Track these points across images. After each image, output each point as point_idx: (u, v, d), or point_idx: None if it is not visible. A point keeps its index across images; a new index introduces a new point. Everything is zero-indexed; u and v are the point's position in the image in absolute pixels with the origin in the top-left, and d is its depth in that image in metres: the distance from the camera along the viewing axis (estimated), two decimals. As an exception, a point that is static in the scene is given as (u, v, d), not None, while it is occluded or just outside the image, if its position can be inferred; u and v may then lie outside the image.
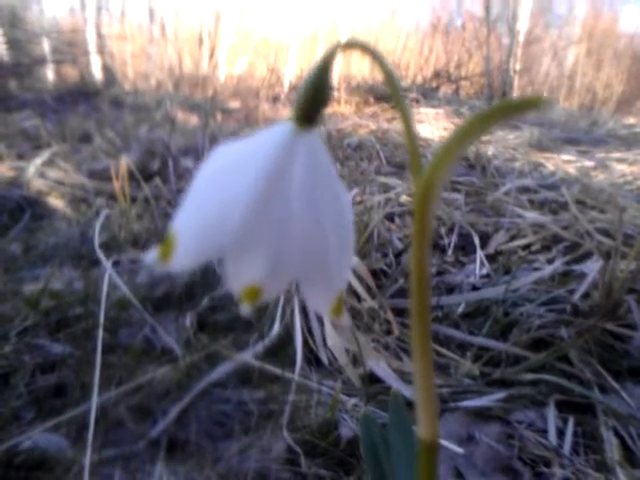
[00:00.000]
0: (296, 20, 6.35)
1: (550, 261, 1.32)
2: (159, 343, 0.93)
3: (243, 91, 4.70)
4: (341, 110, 3.97)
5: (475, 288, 1.16)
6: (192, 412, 0.76)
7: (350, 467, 0.68)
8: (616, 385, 0.84)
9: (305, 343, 0.91)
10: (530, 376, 0.84)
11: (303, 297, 0.22)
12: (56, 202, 1.78)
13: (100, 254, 1.12)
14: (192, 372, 0.83)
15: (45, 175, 1.98)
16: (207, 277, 1.15)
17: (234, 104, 4.15)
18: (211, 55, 5.33)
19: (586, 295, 1.09)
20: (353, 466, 0.68)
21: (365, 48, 0.20)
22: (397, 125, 3.42)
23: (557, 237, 1.49)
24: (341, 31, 6.49)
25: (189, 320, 0.98)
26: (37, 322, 0.97)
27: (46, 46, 4.40)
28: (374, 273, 1.14)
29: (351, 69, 5.31)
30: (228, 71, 5.53)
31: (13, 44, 4.28)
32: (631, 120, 5.14)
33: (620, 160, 3.02)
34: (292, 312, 0.96)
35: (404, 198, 1.83)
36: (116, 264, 1.20)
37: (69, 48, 4.46)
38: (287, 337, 0.93)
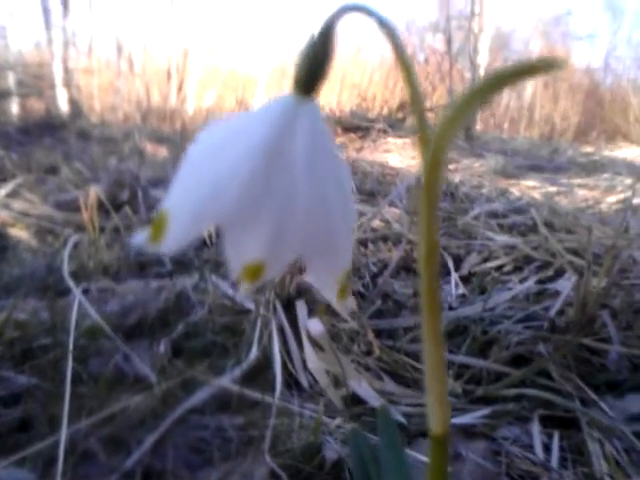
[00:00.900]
0: (264, 54, 6.46)
1: (523, 280, 1.34)
2: (132, 371, 0.89)
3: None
4: (310, 141, 4.00)
5: (452, 308, 1.16)
6: (168, 441, 0.73)
7: (336, 491, 0.65)
8: (596, 398, 0.84)
9: (284, 367, 0.89)
10: (512, 392, 0.83)
11: (309, 277, 0.21)
12: (21, 233, 1.73)
13: (69, 281, 1.08)
14: (168, 399, 0.80)
15: (9, 206, 1.93)
16: (181, 303, 1.12)
17: (203, 136, 4.15)
18: (179, 88, 5.35)
19: (561, 312, 1.10)
20: (339, 490, 0.65)
21: (369, 12, 0.19)
22: (366, 154, 3.47)
23: (528, 258, 1.51)
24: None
25: (163, 347, 0.94)
26: (0, 353, 0.92)
27: (11, 80, 4.34)
28: (352, 295, 1.13)
29: (319, 100, 5.39)
30: (197, 104, 5.54)
31: (-24, 78, 4.22)
32: (588, 149, 5.34)
33: (581, 186, 3.12)
34: (270, 335, 0.94)
35: (376, 223, 1.84)
36: (85, 293, 1.16)
37: (35, 81, 4.41)
38: (265, 361, 0.90)
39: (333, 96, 5.40)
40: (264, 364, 0.89)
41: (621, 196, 2.70)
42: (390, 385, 0.87)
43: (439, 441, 0.22)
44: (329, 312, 0.99)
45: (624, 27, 10.00)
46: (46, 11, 4.76)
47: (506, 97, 8.49)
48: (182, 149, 3.22)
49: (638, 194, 2.10)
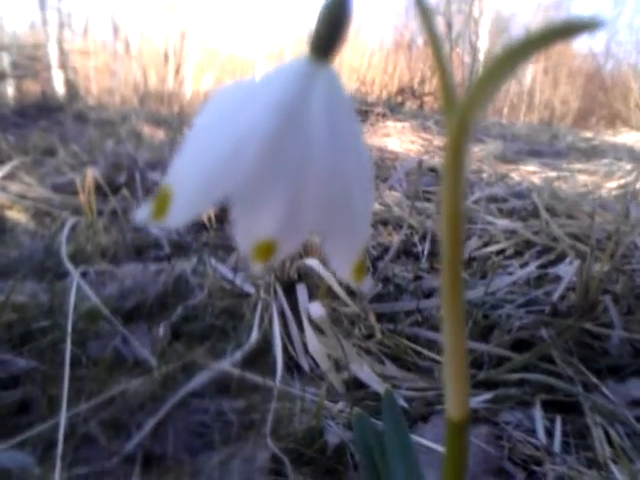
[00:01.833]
0: (262, 37, 6.38)
1: (524, 265, 1.33)
2: (131, 355, 0.88)
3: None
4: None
5: (453, 292, 1.16)
6: (169, 424, 0.72)
7: (338, 475, 0.65)
8: (599, 383, 0.84)
9: (285, 350, 0.89)
10: (515, 376, 0.83)
11: (325, 254, 0.20)
12: (18, 216, 1.71)
13: (68, 264, 1.07)
14: (168, 383, 0.79)
15: (6, 189, 1.91)
16: (180, 287, 1.11)
17: (201, 119, 4.11)
18: (177, 72, 5.30)
19: (563, 297, 1.09)
20: (341, 473, 0.65)
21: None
22: (365, 139, 3.44)
23: (529, 242, 1.50)
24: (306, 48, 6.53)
25: (163, 330, 0.94)
26: (-1, 336, 0.91)
27: (6, 61, 4.28)
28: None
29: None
30: (194, 87, 5.49)
31: (-29, 59, 4.16)
32: (588, 134, 5.31)
33: (581, 171, 3.10)
34: (270, 319, 0.93)
35: (376, 207, 1.83)
36: (83, 276, 1.15)
37: (30, 63, 4.35)
38: (266, 344, 0.90)
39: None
40: (265, 347, 0.89)
41: (621, 181, 2.69)
42: (391, 369, 0.87)
43: (458, 427, 0.21)
44: (330, 295, 0.98)
45: (625, 12, 9.92)
46: (41, -9, 4.69)
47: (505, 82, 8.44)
48: (180, 132, 3.19)
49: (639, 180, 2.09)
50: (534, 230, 1.57)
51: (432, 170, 2.53)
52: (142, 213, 0.18)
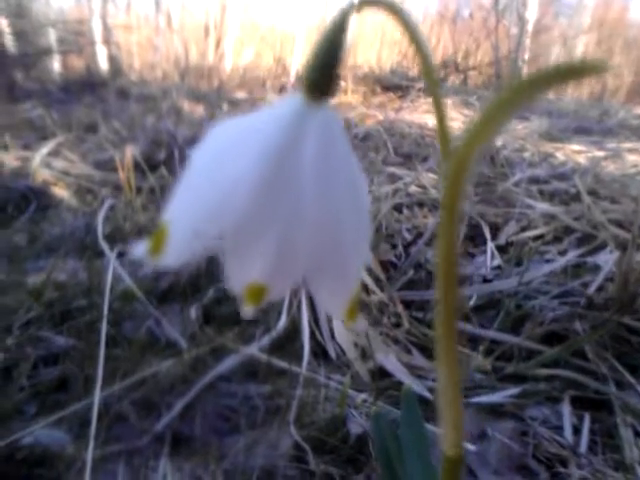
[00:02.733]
0: (302, 10, 6.29)
1: (562, 253, 1.29)
2: (163, 336, 0.91)
3: (250, 81, 4.66)
4: (348, 100, 3.92)
5: (486, 280, 1.14)
6: (197, 406, 0.75)
7: (360, 464, 0.66)
8: (633, 381, 0.82)
9: (312, 336, 0.89)
10: (544, 371, 0.82)
11: (314, 298, 0.20)
12: (62, 192, 1.77)
13: (104, 245, 1.10)
14: (197, 365, 0.82)
15: (51, 165, 1.97)
16: (212, 268, 1.13)
17: (241, 94, 4.11)
18: (217, 46, 5.29)
19: (600, 288, 1.06)
20: (363, 463, 0.66)
21: (385, 5, 0.17)
22: (405, 115, 3.38)
23: (569, 228, 1.46)
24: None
25: (194, 313, 0.96)
26: (40, 314, 0.96)
27: (52, 37, 4.37)
28: (383, 265, 1.12)
29: (357, 59, 5.25)
30: (234, 62, 5.48)
31: (19, 35, 4.26)
32: (642, 110, 5.05)
33: (632, 150, 2.96)
34: (299, 304, 0.94)
35: (413, 189, 1.80)
36: (121, 255, 1.18)
37: (75, 38, 4.43)
38: (294, 330, 0.91)
39: (373, 54, 5.25)
40: (292, 333, 0.90)
41: (674, 163, 2.56)
42: (418, 359, 0.86)
43: (453, 462, 0.21)
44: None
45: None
46: (85, -34, 4.74)
47: (555, 54, 8.09)
48: (219, 107, 3.21)
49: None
50: (575, 216, 1.52)
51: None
52: (140, 249, 0.19)
